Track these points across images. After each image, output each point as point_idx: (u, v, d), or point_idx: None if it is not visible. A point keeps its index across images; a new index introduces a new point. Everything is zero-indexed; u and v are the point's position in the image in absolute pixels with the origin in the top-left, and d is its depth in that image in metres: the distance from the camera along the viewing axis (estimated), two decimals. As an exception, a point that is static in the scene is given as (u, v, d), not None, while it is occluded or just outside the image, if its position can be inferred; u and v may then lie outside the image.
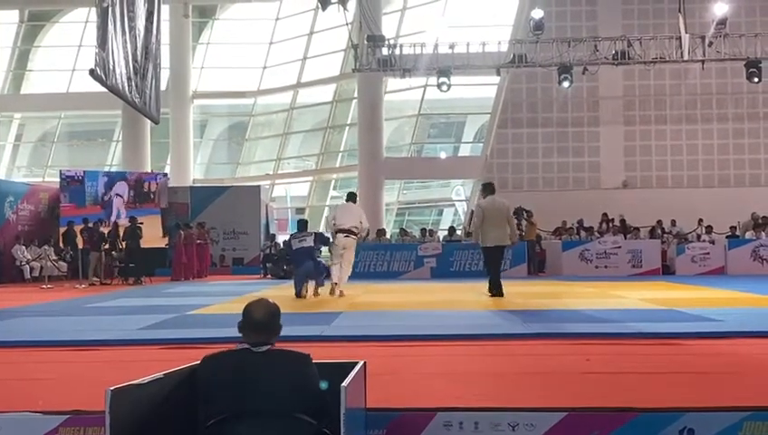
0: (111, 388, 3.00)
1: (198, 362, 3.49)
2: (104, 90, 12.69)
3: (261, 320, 3.40)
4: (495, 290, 12.03)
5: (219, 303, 11.73)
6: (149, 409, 3.25)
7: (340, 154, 30.00)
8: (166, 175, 25.68)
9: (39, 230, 22.00)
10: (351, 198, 13.61)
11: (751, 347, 6.64)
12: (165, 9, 29.73)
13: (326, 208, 30.20)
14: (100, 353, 6.73)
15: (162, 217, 23.40)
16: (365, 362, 3.78)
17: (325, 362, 3.63)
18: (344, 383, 3.15)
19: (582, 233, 21.86)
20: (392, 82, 26.49)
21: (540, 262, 20.92)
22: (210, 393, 3.32)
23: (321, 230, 14.91)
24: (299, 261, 13.04)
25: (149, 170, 27.12)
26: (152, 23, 15.00)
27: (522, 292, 13.05)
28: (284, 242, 15.00)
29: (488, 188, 12.34)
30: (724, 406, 4.13)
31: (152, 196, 23.69)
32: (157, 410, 3.28)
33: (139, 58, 13.67)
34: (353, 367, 3.56)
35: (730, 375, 5.41)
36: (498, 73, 22.50)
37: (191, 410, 3.39)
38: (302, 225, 13.73)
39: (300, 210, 30.77)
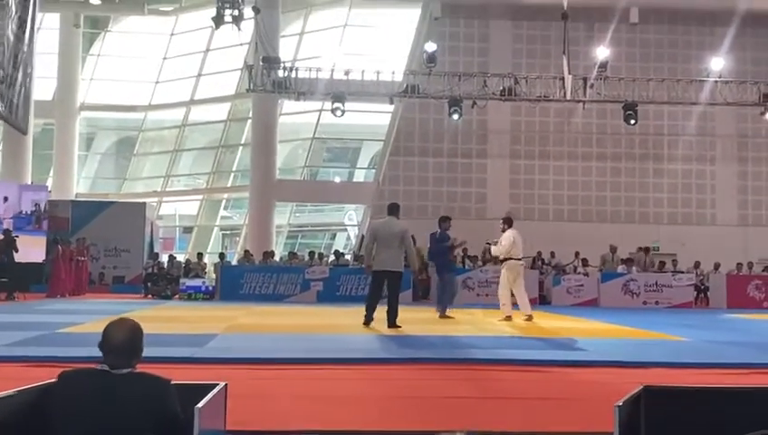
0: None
1: (53, 380, 3.43)
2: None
3: (121, 343, 3.34)
4: (366, 317, 11.07)
5: (92, 321, 11.35)
6: (-2, 426, 3.16)
7: (233, 174, 29.64)
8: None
9: None
10: (510, 223, 13.40)
11: (612, 376, 6.96)
12: (54, 18, 29.06)
13: (215, 229, 29.84)
14: (-43, 371, 6.42)
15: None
16: (226, 384, 3.78)
17: (185, 383, 3.62)
18: (199, 405, 3.15)
19: (467, 261, 22.39)
20: (287, 105, 26.46)
21: (425, 289, 21.26)
22: (63, 412, 3.26)
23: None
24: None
25: (30, 182, 26.04)
26: (24, 31, 14.55)
27: (401, 318, 13.13)
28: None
29: (389, 209, 11.61)
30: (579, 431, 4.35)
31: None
32: (6, 428, 3.20)
33: (5, 66, 13.21)
34: (213, 389, 3.57)
35: (586, 402, 5.67)
36: (391, 102, 22.88)
37: (43, 428, 3.32)
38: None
39: (188, 229, 30.18)
